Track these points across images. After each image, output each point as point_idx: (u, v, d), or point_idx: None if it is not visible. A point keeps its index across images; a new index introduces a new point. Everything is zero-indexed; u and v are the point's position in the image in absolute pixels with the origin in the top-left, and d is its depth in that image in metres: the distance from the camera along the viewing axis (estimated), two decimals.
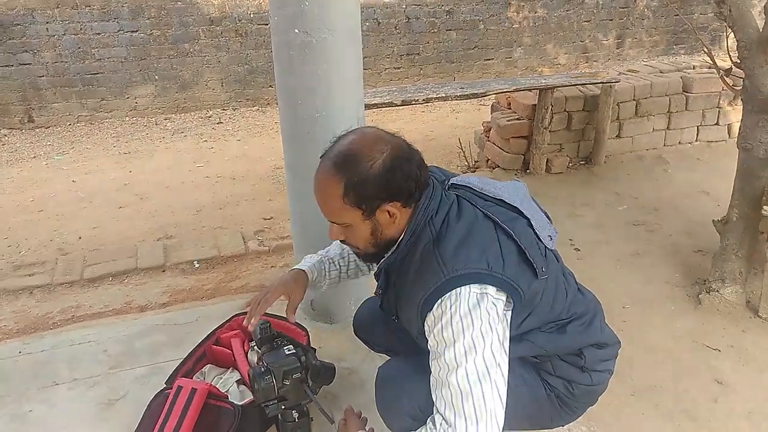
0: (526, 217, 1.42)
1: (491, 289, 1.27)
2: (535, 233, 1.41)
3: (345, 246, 1.73)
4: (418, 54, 7.63)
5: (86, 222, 4.02)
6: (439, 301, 1.26)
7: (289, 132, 2.16)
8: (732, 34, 2.71)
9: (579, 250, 3.30)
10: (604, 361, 1.57)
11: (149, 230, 3.82)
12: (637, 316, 2.73)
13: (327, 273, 1.74)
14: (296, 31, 1.94)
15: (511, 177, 4.26)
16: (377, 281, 1.53)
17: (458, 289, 1.25)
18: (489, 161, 4.60)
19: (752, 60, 2.61)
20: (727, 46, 2.93)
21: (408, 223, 1.37)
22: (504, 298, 1.29)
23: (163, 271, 3.09)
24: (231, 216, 4.03)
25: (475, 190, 1.44)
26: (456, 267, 1.26)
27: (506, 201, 1.43)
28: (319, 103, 2.03)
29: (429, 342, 1.29)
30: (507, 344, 1.28)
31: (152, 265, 3.09)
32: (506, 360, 1.26)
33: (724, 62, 3.21)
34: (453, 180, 1.48)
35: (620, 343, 1.63)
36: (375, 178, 1.28)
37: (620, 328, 2.62)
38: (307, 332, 2.05)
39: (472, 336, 1.23)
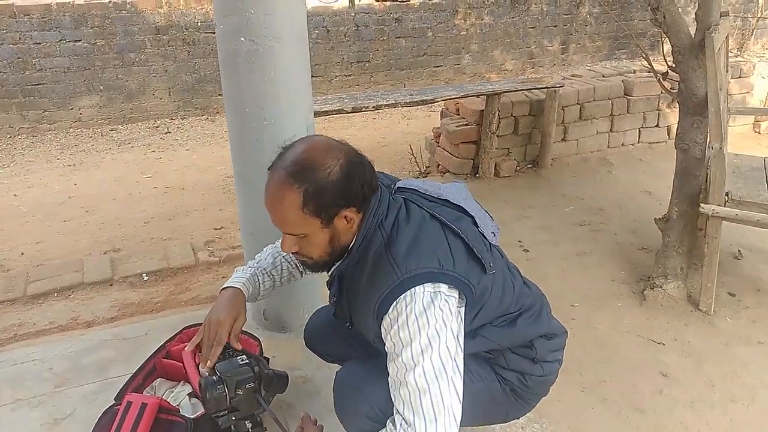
0: (470, 215, 1.46)
1: (443, 287, 1.29)
2: (480, 231, 1.45)
3: (277, 255, 1.74)
4: (368, 61, 7.67)
5: (29, 237, 3.89)
6: (395, 302, 1.28)
7: (238, 140, 2.15)
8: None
9: (528, 251, 3.37)
10: (553, 351, 1.61)
11: (96, 243, 3.72)
12: (585, 314, 2.80)
13: (261, 285, 1.71)
14: (242, 39, 1.93)
15: (461, 181, 4.32)
16: (330, 289, 1.53)
17: (413, 289, 1.27)
18: (440, 166, 4.65)
19: (686, 64, 2.73)
20: (663, 52, 3.05)
21: (359, 228, 1.38)
22: (456, 294, 1.32)
23: (111, 284, 3.02)
24: (180, 227, 3.96)
25: (420, 192, 1.47)
26: (409, 268, 1.28)
27: (451, 201, 1.46)
28: (267, 110, 2.02)
29: (386, 344, 1.31)
30: (462, 339, 1.31)
31: (99, 279, 3.01)
32: (461, 355, 1.29)
33: (662, 66, 3.34)
34: (399, 184, 1.51)
35: (567, 332, 1.69)
36: (333, 186, 1.27)
37: (569, 326, 2.63)
38: (259, 342, 2.03)
39: (428, 334, 1.24)
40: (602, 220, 3.71)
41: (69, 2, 6.26)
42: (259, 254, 1.78)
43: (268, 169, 1.33)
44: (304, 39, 2.06)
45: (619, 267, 3.18)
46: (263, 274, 1.71)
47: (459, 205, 1.46)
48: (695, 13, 2.74)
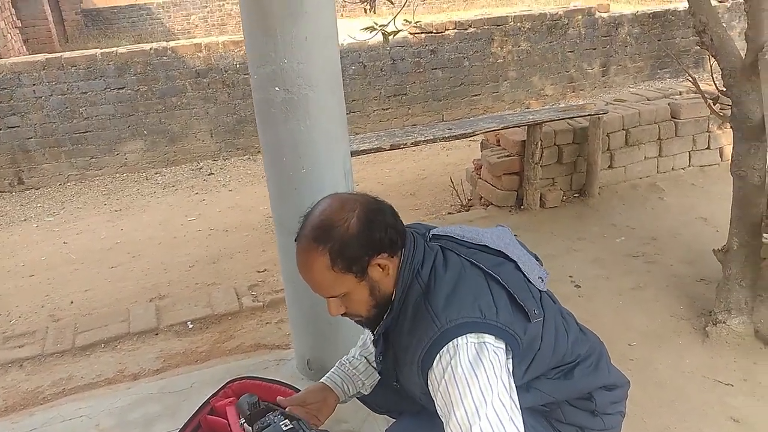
0: (512, 261, 1.40)
1: (489, 338, 1.24)
2: (525, 276, 1.39)
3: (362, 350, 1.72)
4: (405, 94, 7.67)
5: (78, 285, 3.95)
6: (438, 356, 1.23)
7: (276, 188, 2.12)
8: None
9: (579, 286, 3.24)
10: (614, 403, 1.53)
11: (142, 290, 3.75)
12: (644, 353, 2.66)
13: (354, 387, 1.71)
14: (276, 88, 1.92)
15: (506, 214, 4.23)
16: (376, 347, 1.48)
17: (455, 340, 1.22)
18: (482, 199, 4.56)
19: (738, 87, 2.60)
20: (711, 71, 2.92)
21: (396, 281, 1.34)
22: (503, 346, 1.26)
23: (156, 334, 3.02)
24: (224, 270, 3.97)
25: (456, 239, 1.43)
26: (450, 317, 1.24)
27: (490, 246, 1.41)
28: (305, 158, 2.00)
29: (436, 402, 1.25)
30: (515, 394, 1.24)
31: (145, 329, 3.01)
32: (518, 410, 1.22)
33: (709, 86, 3.20)
34: (434, 231, 1.46)
35: (629, 383, 1.59)
36: (355, 237, 1.26)
37: (628, 366, 2.55)
38: None
39: (481, 388, 1.18)
40: (656, 250, 3.56)
41: (113, 51, 6.47)
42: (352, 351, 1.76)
43: (295, 240, 1.33)
44: (338, 85, 2.03)
45: (678, 301, 3.02)
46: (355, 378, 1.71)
47: (500, 251, 1.41)
48: (745, 33, 2.62)
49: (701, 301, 2.98)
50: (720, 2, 8.70)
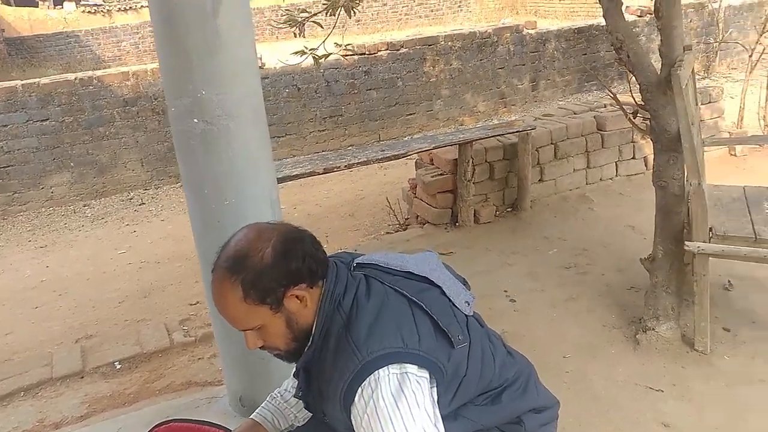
0: (438, 286, 1.38)
1: (412, 367, 1.21)
2: (450, 301, 1.38)
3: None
4: (341, 115, 7.68)
5: None
6: (360, 390, 1.20)
7: (199, 222, 2.06)
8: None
9: (514, 301, 3.27)
10: (544, 425, 1.52)
11: (68, 330, 3.58)
12: (578, 365, 2.69)
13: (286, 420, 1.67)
14: (195, 120, 1.87)
15: (442, 231, 4.25)
16: (298, 381, 1.44)
17: (376, 372, 1.19)
18: (419, 217, 4.58)
19: (655, 101, 2.69)
20: (630, 85, 3.02)
21: (317, 313, 1.31)
22: (427, 375, 1.24)
23: (82, 377, 2.87)
24: (156, 304, 3.83)
25: (381, 266, 1.41)
26: (370, 350, 1.21)
27: (414, 272, 1.39)
28: (227, 190, 1.95)
29: None
30: (441, 424, 1.21)
31: (69, 372, 2.86)
32: None
33: (630, 98, 3.31)
34: (358, 260, 1.44)
35: (559, 403, 1.59)
36: (270, 267, 1.23)
37: (563, 379, 2.58)
38: None
39: (404, 421, 1.15)
40: (588, 260, 3.63)
41: (35, 82, 6.24)
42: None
43: (211, 272, 1.29)
44: (261, 115, 2.00)
45: (610, 310, 3.08)
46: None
47: (424, 276, 1.39)
48: (659, 49, 2.73)
49: (632, 309, 3.05)
50: (639, 17, 9.10)
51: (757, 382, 2.49)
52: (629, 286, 3.28)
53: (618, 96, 3.30)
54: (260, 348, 1.34)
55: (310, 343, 1.34)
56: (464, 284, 1.51)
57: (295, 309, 1.29)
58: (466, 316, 1.41)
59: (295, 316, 1.30)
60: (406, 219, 4.81)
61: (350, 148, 5.12)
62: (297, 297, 1.27)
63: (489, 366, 1.40)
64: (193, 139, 1.90)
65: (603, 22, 2.78)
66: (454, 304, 1.38)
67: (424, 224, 4.46)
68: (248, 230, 1.31)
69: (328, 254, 1.41)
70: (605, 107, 5.05)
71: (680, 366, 2.62)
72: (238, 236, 1.30)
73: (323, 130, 7.64)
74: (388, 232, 4.69)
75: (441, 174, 4.28)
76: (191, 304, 3.67)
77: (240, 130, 1.92)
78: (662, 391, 2.49)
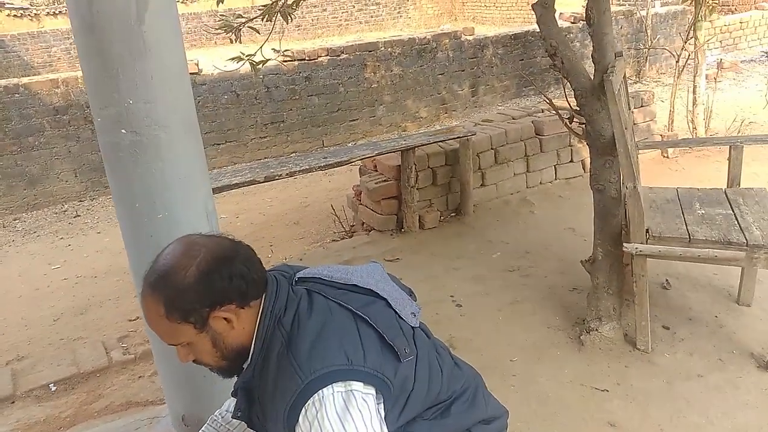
0: (383, 298, 1.35)
1: (357, 385, 1.18)
2: (396, 313, 1.34)
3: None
4: (282, 121, 7.58)
5: None
6: (303, 410, 1.15)
7: (131, 236, 1.98)
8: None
9: (461, 305, 3.27)
10: None
11: None
12: (525, 368, 2.71)
13: None
14: (123, 131, 1.78)
15: (387, 238, 4.23)
16: (236, 400, 1.38)
17: (320, 392, 1.15)
18: (364, 224, 4.55)
19: (589, 106, 2.75)
20: (565, 91, 3.07)
21: (256, 330, 1.26)
22: (373, 391, 1.20)
23: (13, 402, 2.72)
24: (93, 321, 3.67)
25: (324, 280, 1.36)
26: (313, 368, 1.16)
27: (359, 285, 1.35)
28: (159, 203, 1.86)
29: None
30: None
31: None
32: None
33: (565, 103, 3.37)
34: (300, 274, 1.38)
35: (508, 412, 1.58)
36: (192, 287, 1.18)
37: (511, 383, 2.59)
38: None
39: None
40: (530, 263, 3.68)
41: None
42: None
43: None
44: (193, 124, 1.93)
45: (553, 312, 3.12)
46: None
47: (369, 289, 1.35)
48: (592, 56, 2.78)
49: (575, 310, 3.10)
50: (572, 23, 9.34)
51: (695, 378, 2.56)
52: (571, 288, 3.34)
53: (554, 101, 3.35)
54: (193, 362, 1.29)
55: (249, 361, 1.28)
56: (410, 295, 1.48)
57: (221, 329, 1.24)
58: (412, 327, 1.38)
59: (221, 337, 1.25)
60: (351, 226, 4.77)
61: (293, 154, 5.05)
62: (225, 318, 1.23)
63: (436, 378, 1.38)
64: (121, 150, 1.81)
65: (537, 28, 2.82)
66: (400, 316, 1.35)
67: (369, 231, 4.43)
68: (178, 244, 1.25)
69: (271, 265, 1.35)
70: (543, 112, 5.16)
71: (623, 365, 2.68)
72: (167, 250, 1.25)
73: (265, 137, 7.52)
74: (334, 240, 4.64)
75: (385, 180, 4.27)
76: (130, 320, 3.53)
77: (172, 139, 1.84)
78: (607, 390, 2.53)
